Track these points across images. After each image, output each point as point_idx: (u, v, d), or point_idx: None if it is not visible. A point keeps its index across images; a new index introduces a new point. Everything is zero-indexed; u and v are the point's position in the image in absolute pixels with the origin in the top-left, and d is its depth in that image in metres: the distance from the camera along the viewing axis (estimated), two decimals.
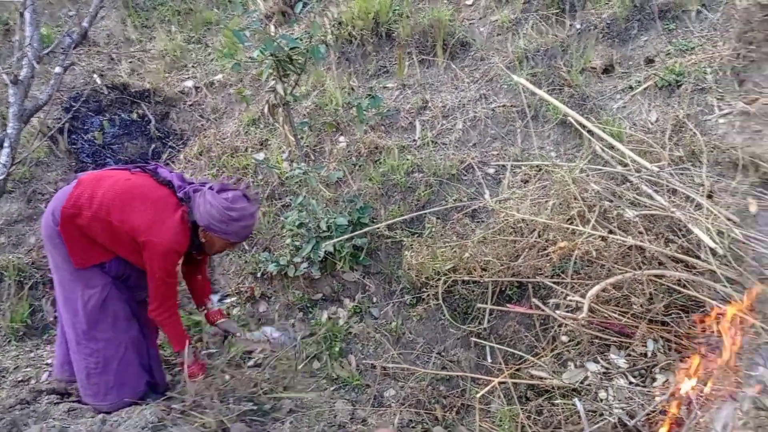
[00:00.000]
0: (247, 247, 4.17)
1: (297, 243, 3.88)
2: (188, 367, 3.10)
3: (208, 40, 5.72)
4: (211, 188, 2.94)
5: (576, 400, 2.87)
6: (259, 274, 4.01)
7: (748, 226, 3.06)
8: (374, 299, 3.85)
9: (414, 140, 4.33)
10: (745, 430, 2.57)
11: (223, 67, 5.25)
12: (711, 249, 2.79)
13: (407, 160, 4.14)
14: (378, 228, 3.80)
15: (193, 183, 3.05)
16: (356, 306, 3.81)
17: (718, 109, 3.82)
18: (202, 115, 5.09)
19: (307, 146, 4.39)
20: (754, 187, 3.40)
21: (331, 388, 3.44)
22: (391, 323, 3.72)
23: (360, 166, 4.21)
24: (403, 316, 3.74)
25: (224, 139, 4.73)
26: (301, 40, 3.44)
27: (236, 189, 2.97)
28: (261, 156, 4.41)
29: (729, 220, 3.04)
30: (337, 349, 3.65)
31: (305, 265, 3.84)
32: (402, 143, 4.28)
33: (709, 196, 3.25)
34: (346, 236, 3.69)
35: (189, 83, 5.30)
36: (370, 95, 3.90)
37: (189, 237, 2.94)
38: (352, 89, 4.63)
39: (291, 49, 3.40)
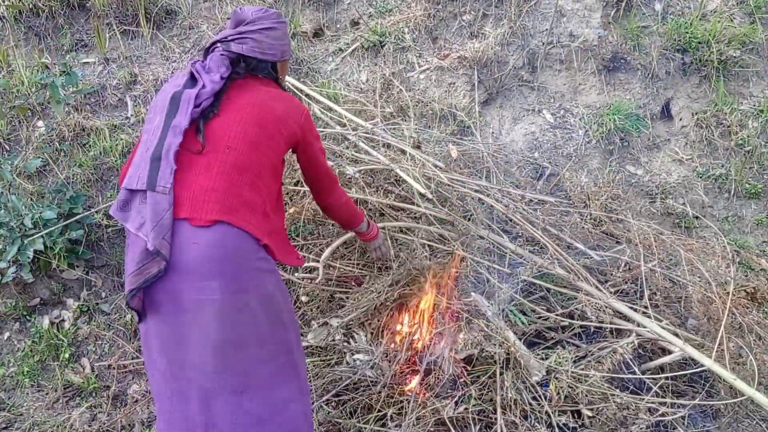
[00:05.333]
0: None
1: None
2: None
3: None
4: (228, 40, 2.21)
5: None
6: None
7: (451, 170, 3.39)
8: (103, 294, 3.53)
9: (127, 118, 4.00)
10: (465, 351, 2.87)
11: None
12: (421, 194, 3.03)
13: (121, 140, 3.82)
14: (95, 217, 3.46)
15: (197, 61, 2.24)
16: (82, 305, 3.46)
17: (418, 65, 4.13)
18: None
19: None
20: (453, 135, 3.78)
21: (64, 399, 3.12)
22: (125, 317, 3.45)
23: (65, 152, 3.77)
24: None
25: None
26: None
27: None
28: None
29: (435, 166, 3.32)
30: (66, 355, 3.30)
31: (13, 269, 3.36)
32: (113, 122, 3.92)
33: (417, 147, 3.52)
34: (52, 228, 3.28)
35: None
36: (65, 72, 3.49)
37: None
38: (46, 67, 4.11)
39: None
